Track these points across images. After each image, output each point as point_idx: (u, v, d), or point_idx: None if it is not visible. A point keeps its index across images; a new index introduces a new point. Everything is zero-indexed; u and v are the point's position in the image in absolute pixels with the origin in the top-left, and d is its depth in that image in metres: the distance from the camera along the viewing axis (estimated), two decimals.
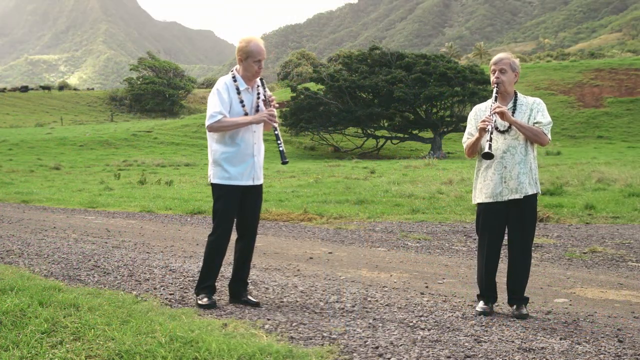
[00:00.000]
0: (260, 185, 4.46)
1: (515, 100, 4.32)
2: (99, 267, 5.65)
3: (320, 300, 4.52)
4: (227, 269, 5.20)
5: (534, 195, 4.27)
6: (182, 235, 8.22)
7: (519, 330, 3.82)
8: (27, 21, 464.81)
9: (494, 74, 4.30)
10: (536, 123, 4.22)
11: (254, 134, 4.37)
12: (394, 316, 4.09)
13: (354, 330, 3.70)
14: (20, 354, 3.05)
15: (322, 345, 3.40)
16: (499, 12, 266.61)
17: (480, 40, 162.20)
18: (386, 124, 36.61)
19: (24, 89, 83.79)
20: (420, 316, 4.09)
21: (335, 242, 7.70)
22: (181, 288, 4.83)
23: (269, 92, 4.39)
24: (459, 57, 78.69)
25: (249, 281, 4.74)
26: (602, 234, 7.98)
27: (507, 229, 4.31)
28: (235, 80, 4.35)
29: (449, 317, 4.10)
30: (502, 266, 4.53)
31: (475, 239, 7.65)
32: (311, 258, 6.56)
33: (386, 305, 4.41)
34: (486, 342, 3.52)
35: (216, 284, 4.74)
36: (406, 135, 36.70)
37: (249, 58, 4.27)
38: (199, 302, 4.26)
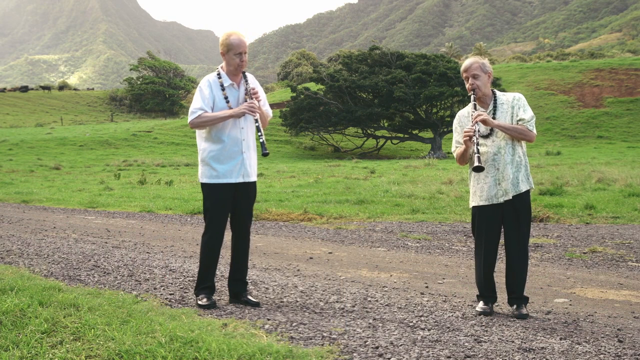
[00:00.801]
0: (253, 183, 4.42)
1: (495, 100, 4.31)
2: (99, 267, 5.65)
3: (320, 300, 4.52)
4: (226, 269, 5.21)
5: (527, 192, 4.27)
6: (182, 235, 8.22)
7: (519, 330, 3.82)
8: (27, 21, 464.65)
9: (467, 81, 4.30)
10: (519, 120, 4.22)
11: (242, 130, 4.32)
12: (394, 316, 4.09)
13: (354, 330, 3.70)
14: (20, 354, 3.05)
15: (322, 345, 3.40)
16: (499, 12, 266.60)
17: (480, 40, 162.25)
18: (386, 124, 36.61)
19: (24, 89, 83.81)
20: (420, 316, 4.09)
21: (335, 242, 7.70)
22: (181, 288, 4.83)
23: (251, 85, 4.33)
24: (459, 57, 78.62)
25: (249, 281, 4.74)
26: (602, 234, 7.98)
27: (502, 228, 4.31)
28: (219, 77, 4.34)
29: (449, 317, 4.10)
30: (501, 266, 4.53)
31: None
32: (311, 258, 6.56)
33: (386, 305, 4.41)
34: (486, 342, 3.52)
35: (216, 284, 4.74)
36: (406, 135, 36.70)
37: (229, 51, 4.26)
38: (199, 302, 4.26)
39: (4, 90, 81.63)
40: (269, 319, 3.94)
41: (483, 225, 4.29)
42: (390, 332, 3.69)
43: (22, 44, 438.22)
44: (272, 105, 45.06)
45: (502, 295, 4.44)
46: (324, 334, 3.60)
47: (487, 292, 4.31)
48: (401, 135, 36.86)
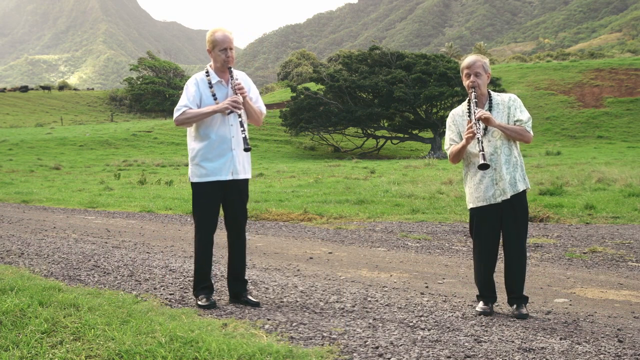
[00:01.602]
0: (245, 180, 4.38)
1: (490, 100, 4.30)
2: (99, 267, 5.65)
3: (320, 300, 4.52)
4: (226, 269, 5.20)
5: (524, 192, 4.27)
6: (182, 235, 8.22)
7: (519, 330, 3.82)
8: (27, 21, 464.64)
9: (468, 77, 4.26)
10: (517, 121, 4.22)
11: (230, 127, 4.28)
12: (394, 316, 4.08)
13: (354, 330, 3.70)
14: (20, 354, 3.05)
15: (322, 345, 3.40)
16: (499, 12, 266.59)
17: (480, 40, 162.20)
18: (386, 124, 36.61)
19: (24, 89, 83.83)
20: (420, 316, 4.09)
21: (335, 242, 7.70)
22: (181, 288, 4.83)
23: (237, 81, 4.28)
24: (459, 57, 78.58)
25: (248, 280, 4.74)
26: (602, 234, 7.98)
27: (500, 228, 4.30)
28: (207, 75, 4.33)
29: (449, 317, 4.10)
30: (500, 266, 4.53)
31: None
32: (311, 258, 6.56)
33: (386, 305, 4.41)
34: (486, 342, 3.52)
35: (216, 284, 4.74)
36: (406, 135, 36.70)
37: (215, 48, 4.25)
38: (199, 302, 4.26)
39: (4, 90, 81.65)
40: (269, 319, 3.94)
41: (482, 226, 4.29)
42: (390, 332, 3.69)
43: (22, 44, 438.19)
44: (272, 105, 45.19)
45: (502, 295, 4.44)
46: (324, 334, 3.60)
47: (487, 292, 4.31)
48: (401, 135, 36.86)
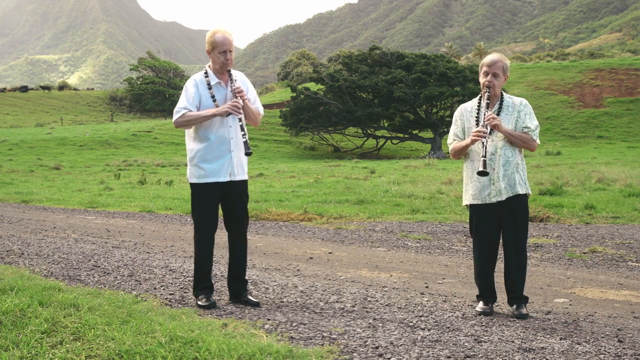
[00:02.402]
0: (243, 182, 4.38)
1: (502, 102, 4.28)
2: (99, 267, 5.65)
3: (320, 300, 4.52)
4: (226, 269, 5.20)
5: (525, 196, 4.25)
6: (182, 235, 8.22)
7: (519, 330, 3.82)
8: (27, 21, 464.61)
9: (486, 76, 4.23)
10: (525, 128, 4.20)
11: (229, 129, 4.28)
12: (394, 316, 4.08)
13: (354, 330, 3.70)
14: (20, 354, 3.05)
15: (322, 345, 3.40)
16: (499, 12, 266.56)
17: (480, 40, 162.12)
18: (386, 124, 36.62)
19: (24, 89, 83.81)
20: (420, 316, 4.09)
21: (335, 242, 7.70)
22: (181, 288, 4.83)
23: (237, 84, 4.28)
24: (459, 57, 78.63)
25: (248, 280, 4.74)
26: (602, 234, 7.98)
27: (501, 229, 4.30)
28: (206, 76, 4.32)
29: (449, 317, 4.10)
30: (500, 266, 4.53)
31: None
32: (311, 258, 6.56)
33: (386, 305, 4.41)
34: (486, 342, 3.52)
35: (216, 284, 4.74)
36: (406, 135, 36.71)
37: (215, 49, 4.24)
38: (199, 302, 4.26)
39: (4, 90, 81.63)
40: (269, 319, 3.94)
41: (480, 225, 4.28)
42: (390, 332, 3.69)
43: (22, 44, 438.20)
44: (272, 105, 45.17)
45: (502, 295, 4.44)
46: (324, 334, 3.60)
47: (486, 292, 4.30)
48: (401, 135, 36.87)
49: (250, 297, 4.40)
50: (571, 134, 37.01)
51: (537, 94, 42.03)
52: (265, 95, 56.44)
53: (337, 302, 4.49)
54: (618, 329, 3.91)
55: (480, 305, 4.28)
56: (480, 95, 4.32)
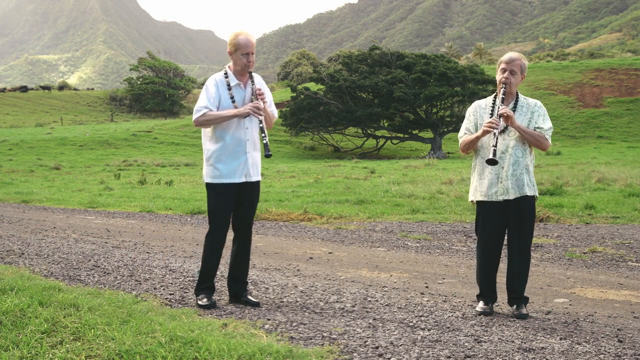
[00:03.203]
0: (257, 183, 4.42)
1: (517, 101, 4.29)
2: (99, 267, 5.65)
3: (320, 300, 4.52)
4: (226, 269, 5.20)
5: (532, 198, 4.25)
6: (182, 235, 8.22)
7: (519, 330, 3.82)
8: (27, 21, 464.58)
9: (503, 72, 4.24)
10: (537, 128, 4.20)
11: (246, 130, 4.32)
12: (394, 316, 4.09)
13: (354, 330, 3.70)
14: (20, 354, 3.05)
15: (322, 345, 3.40)
16: (499, 12, 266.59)
17: (480, 40, 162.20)
18: (386, 124, 36.60)
19: (24, 89, 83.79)
20: (420, 316, 4.09)
21: (335, 242, 7.70)
22: (181, 288, 4.83)
23: (257, 86, 4.32)
24: (459, 57, 78.65)
25: (248, 281, 4.74)
26: (602, 234, 7.98)
27: (506, 229, 4.30)
28: (226, 77, 4.33)
29: (449, 317, 4.10)
30: (502, 266, 4.53)
31: (475, 239, 7.65)
32: (311, 258, 6.56)
33: (386, 305, 4.41)
34: (486, 342, 3.52)
35: (216, 283, 4.74)
36: (406, 135, 36.69)
37: (237, 51, 4.26)
38: (199, 302, 4.26)
39: (4, 90, 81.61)
40: (269, 319, 3.94)
41: (486, 223, 4.28)
42: (390, 332, 3.69)
43: (22, 44, 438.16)
44: None
45: (502, 295, 4.44)
46: (324, 334, 3.60)
47: (487, 292, 4.30)
48: (401, 135, 36.86)
49: (250, 297, 4.41)
50: (571, 134, 37.02)
51: (537, 94, 42.01)
52: None
53: (337, 302, 4.49)
54: (618, 329, 3.91)
55: (480, 305, 4.28)
56: (495, 93, 4.32)
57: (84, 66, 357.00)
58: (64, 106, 74.06)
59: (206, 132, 4.38)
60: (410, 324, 3.89)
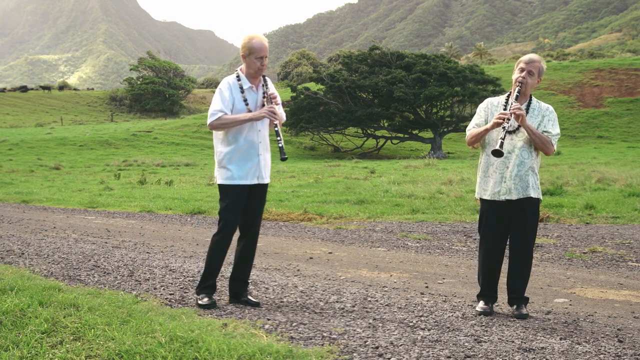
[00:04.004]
0: (266, 184, 4.47)
1: (530, 103, 4.29)
2: (99, 267, 5.65)
3: (320, 300, 4.52)
4: (227, 269, 5.20)
5: (537, 200, 4.25)
6: (182, 235, 8.22)
7: (519, 330, 3.82)
8: (27, 21, 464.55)
9: (521, 72, 4.23)
10: (545, 132, 4.21)
11: (259, 132, 4.37)
12: (394, 316, 4.09)
13: (354, 330, 3.70)
14: (20, 354, 3.05)
15: (322, 345, 3.40)
16: (499, 12, 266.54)
17: (480, 40, 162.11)
18: (386, 124, 36.60)
19: (24, 89, 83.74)
20: (420, 316, 4.09)
21: (335, 242, 7.70)
22: (181, 288, 4.83)
23: (271, 90, 4.37)
24: (459, 57, 78.67)
25: (249, 281, 4.74)
26: (602, 234, 7.98)
27: (509, 229, 4.29)
28: (239, 79, 4.35)
29: (449, 317, 4.10)
30: (503, 266, 4.53)
31: (475, 239, 7.65)
32: (311, 258, 6.56)
33: (386, 305, 4.41)
34: (486, 342, 3.52)
35: (216, 283, 4.73)
36: (406, 135, 36.69)
37: (251, 54, 4.28)
38: (199, 302, 4.26)
39: (4, 90, 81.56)
40: (269, 319, 3.94)
41: (489, 222, 4.28)
42: (390, 332, 3.69)
43: (22, 44, 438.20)
44: None
45: (502, 295, 4.44)
46: (324, 334, 3.60)
47: (488, 291, 4.30)
48: (401, 135, 36.85)
49: (250, 297, 4.41)
50: (571, 134, 37.02)
51: (537, 94, 41.98)
52: None
53: (337, 302, 4.49)
54: (618, 329, 3.91)
55: (480, 305, 4.28)
56: (509, 92, 4.32)
57: (84, 66, 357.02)
58: (64, 106, 74.03)
59: (218, 135, 4.39)
60: (410, 324, 3.89)
